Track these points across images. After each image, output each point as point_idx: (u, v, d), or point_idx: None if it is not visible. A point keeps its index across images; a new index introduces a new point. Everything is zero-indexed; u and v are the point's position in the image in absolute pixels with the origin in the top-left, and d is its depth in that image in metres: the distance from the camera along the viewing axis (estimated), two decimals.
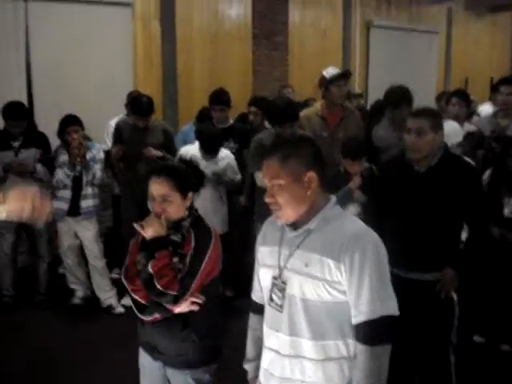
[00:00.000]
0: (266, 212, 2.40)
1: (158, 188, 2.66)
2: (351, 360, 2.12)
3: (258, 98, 6.29)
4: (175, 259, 2.63)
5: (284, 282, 2.17)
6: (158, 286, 2.56)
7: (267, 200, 2.18)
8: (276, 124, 4.54)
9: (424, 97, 6.58)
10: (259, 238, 2.40)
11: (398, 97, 4.66)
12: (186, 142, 5.60)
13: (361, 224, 2.18)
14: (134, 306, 2.72)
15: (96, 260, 5.47)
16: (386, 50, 10.07)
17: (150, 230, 2.62)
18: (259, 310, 2.38)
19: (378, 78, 9.70)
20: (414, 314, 3.27)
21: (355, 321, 2.08)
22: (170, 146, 5.54)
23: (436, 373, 3.48)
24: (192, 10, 7.82)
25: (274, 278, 2.21)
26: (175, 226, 2.68)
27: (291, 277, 2.15)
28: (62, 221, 5.39)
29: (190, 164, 2.87)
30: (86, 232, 5.42)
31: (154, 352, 2.79)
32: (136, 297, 2.69)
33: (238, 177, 5.24)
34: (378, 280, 2.06)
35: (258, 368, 2.39)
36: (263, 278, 2.30)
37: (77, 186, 5.30)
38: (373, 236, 2.14)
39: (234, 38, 8.27)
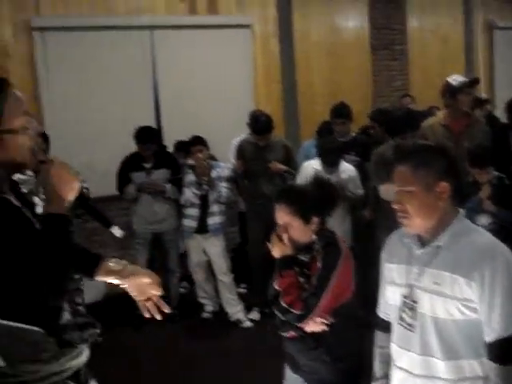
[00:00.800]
0: (391, 225, 2.37)
1: (279, 215, 2.72)
2: (487, 380, 2.04)
3: (376, 112, 6.23)
4: (302, 279, 2.67)
5: (414, 301, 2.14)
6: (283, 303, 2.61)
7: (395, 206, 2.14)
8: (396, 135, 4.49)
9: None
10: (384, 255, 2.37)
11: None
12: (307, 158, 5.63)
13: (490, 238, 2.11)
14: (277, 321, 2.77)
15: (224, 275, 5.62)
16: (511, 52, 9.62)
17: (276, 250, 2.71)
18: (386, 327, 2.35)
19: (503, 82, 9.30)
20: None
21: (487, 339, 2.02)
22: (290, 161, 5.63)
23: None
24: (309, 26, 7.88)
25: (404, 296, 2.18)
26: (305, 247, 2.72)
27: (422, 295, 2.12)
28: (190, 238, 5.61)
29: (323, 185, 2.85)
30: (214, 248, 5.58)
31: (293, 365, 2.84)
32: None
33: (360, 191, 5.20)
34: (510, 296, 1.99)
35: None
36: (391, 296, 2.27)
37: (204, 204, 5.50)
38: (503, 250, 2.06)
39: (352, 50, 8.24)
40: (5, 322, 1.81)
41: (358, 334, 2.77)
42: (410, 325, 2.16)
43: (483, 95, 7.30)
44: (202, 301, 5.83)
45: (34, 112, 6.11)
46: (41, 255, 1.74)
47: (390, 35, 8.57)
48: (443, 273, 2.06)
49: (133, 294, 2.18)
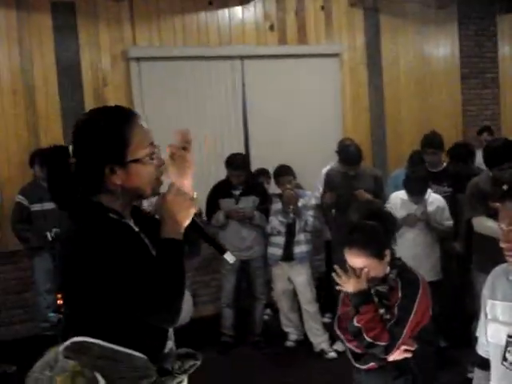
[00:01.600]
0: (485, 259, 2.32)
1: (352, 260, 2.71)
2: None
3: (455, 147, 6.05)
4: (382, 311, 2.66)
5: None
6: (368, 339, 2.60)
7: (503, 246, 2.09)
8: (493, 166, 4.37)
9: None
10: (487, 291, 2.30)
11: None
12: (397, 187, 5.56)
13: None
14: (349, 354, 2.77)
15: (309, 304, 5.59)
16: None
17: (350, 286, 2.68)
18: (486, 365, 2.28)
19: None
20: None
21: None
22: (379, 191, 5.57)
23: None
24: (398, 54, 7.83)
25: (509, 336, 2.11)
26: (382, 279, 2.72)
27: None
28: (276, 265, 5.63)
29: (382, 215, 2.87)
30: (299, 277, 5.57)
31: None
32: (350, 346, 2.74)
33: (449, 222, 5.07)
34: None
35: None
36: (494, 335, 2.21)
37: (290, 232, 5.50)
38: None
39: (441, 79, 8.12)
40: (110, 345, 1.86)
41: (434, 358, 2.75)
42: None
43: None
44: (287, 329, 5.80)
45: None
46: (155, 279, 1.78)
47: (480, 63, 8.41)
48: None
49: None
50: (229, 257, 2.01)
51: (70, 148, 1.91)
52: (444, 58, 8.23)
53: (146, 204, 2.09)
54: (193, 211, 1.93)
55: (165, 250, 1.86)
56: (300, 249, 5.51)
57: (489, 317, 2.26)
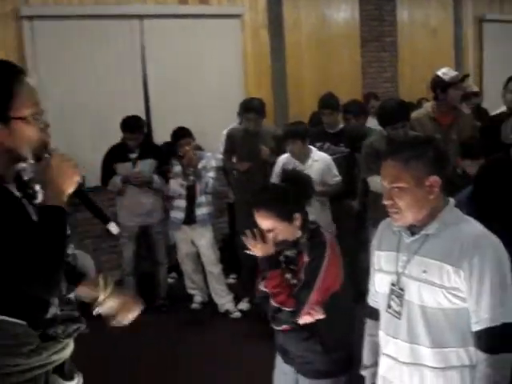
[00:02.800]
0: (380, 217, 2.37)
1: (260, 221, 2.68)
2: (474, 369, 2.05)
3: (351, 104, 6.14)
4: (288, 275, 2.67)
5: (402, 289, 2.15)
6: (275, 304, 2.62)
7: (386, 203, 2.14)
8: (387, 125, 4.49)
9: None
10: (374, 242, 2.38)
11: None
12: None
13: (480, 228, 2.12)
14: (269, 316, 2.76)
15: (212, 266, 5.62)
16: (500, 44, 9.63)
17: (258, 250, 2.68)
18: (375, 314, 2.36)
19: (493, 74, 9.30)
20: None
21: (475, 328, 2.03)
22: (280, 151, 5.60)
23: None
24: (299, 17, 7.85)
25: (392, 284, 2.19)
26: (293, 243, 2.70)
27: (409, 283, 2.12)
28: (178, 229, 5.59)
29: (296, 178, 2.82)
30: (202, 239, 5.57)
31: (285, 356, 2.84)
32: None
33: (337, 179, 5.10)
34: (499, 285, 1.99)
35: (375, 374, 2.38)
36: (380, 284, 2.28)
37: (191, 195, 5.47)
38: (493, 240, 2.07)
39: (342, 42, 8.23)
40: None
41: (348, 323, 2.77)
42: (397, 312, 2.17)
43: (474, 88, 7.31)
44: (191, 292, 5.82)
45: None
46: (34, 247, 1.72)
47: (379, 27, 8.56)
48: (431, 261, 2.07)
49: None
50: (113, 228, 2.01)
51: None
52: (344, 22, 8.33)
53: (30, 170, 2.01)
54: (77, 179, 1.91)
55: (46, 218, 1.81)
56: (201, 211, 5.48)
57: (376, 267, 2.33)
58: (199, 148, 5.79)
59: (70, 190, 1.90)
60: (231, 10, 7.30)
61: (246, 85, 7.39)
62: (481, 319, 2.01)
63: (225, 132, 6.10)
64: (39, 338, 1.89)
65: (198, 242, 5.59)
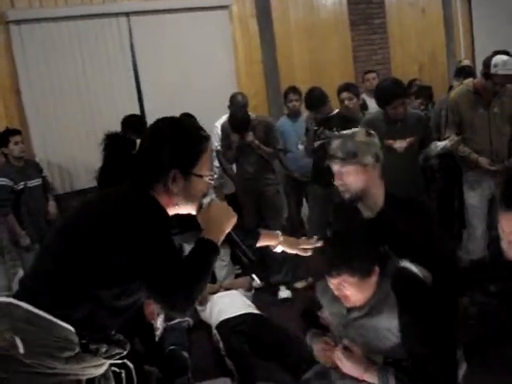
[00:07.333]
0: None
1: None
2: None
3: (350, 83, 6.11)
4: None
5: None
6: None
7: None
8: (386, 105, 4.50)
9: None
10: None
11: None
12: (281, 134, 5.88)
13: None
14: None
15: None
16: (490, 19, 9.60)
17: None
18: None
19: (484, 48, 9.28)
20: None
21: None
22: (271, 138, 5.62)
23: None
24: (287, 5, 7.84)
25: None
26: None
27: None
28: None
29: None
30: None
31: None
32: None
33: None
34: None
35: None
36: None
37: None
38: None
39: (331, 27, 8.20)
40: (35, 310, 1.84)
41: None
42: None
43: (467, 62, 7.34)
44: None
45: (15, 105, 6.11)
46: (190, 265, 1.91)
47: (367, 9, 8.52)
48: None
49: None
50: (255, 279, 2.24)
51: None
52: (332, 6, 8.30)
53: None
54: (234, 221, 2.09)
55: (203, 247, 1.97)
56: None
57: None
58: None
59: (227, 230, 2.08)
60: (218, 1, 7.24)
61: (237, 75, 7.38)
62: None
63: (217, 124, 6.11)
64: (80, 348, 1.90)
65: None
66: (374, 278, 2.33)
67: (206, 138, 2.12)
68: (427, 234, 2.60)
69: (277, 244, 2.62)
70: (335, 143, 2.69)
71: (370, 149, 2.67)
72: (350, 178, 2.65)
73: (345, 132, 2.80)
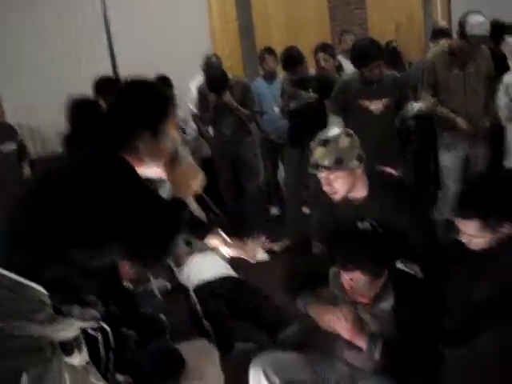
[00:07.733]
0: None
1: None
2: None
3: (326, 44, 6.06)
4: None
5: None
6: None
7: None
8: (362, 66, 4.46)
9: None
10: None
11: None
12: (258, 95, 5.83)
13: None
14: None
15: None
16: None
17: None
18: None
19: (460, 8, 9.24)
20: None
21: None
22: (247, 100, 5.59)
23: None
24: None
25: None
26: None
27: None
28: None
29: None
30: None
31: None
32: None
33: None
34: None
35: None
36: None
37: None
38: None
39: None
40: (11, 275, 1.82)
41: None
42: None
43: (443, 23, 7.31)
44: None
45: None
46: (158, 219, 1.96)
47: None
48: None
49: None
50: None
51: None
52: None
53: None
54: (202, 181, 2.19)
55: (172, 204, 2.07)
56: None
57: None
58: None
59: (195, 188, 2.19)
60: None
61: (211, 33, 7.29)
62: None
63: (192, 86, 6.04)
64: (52, 310, 1.88)
65: None
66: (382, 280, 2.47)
67: (171, 98, 2.20)
68: (412, 223, 2.65)
69: (223, 246, 2.75)
70: (318, 151, 2.66)
71: (354, 152, 2.68)
72: (338, 182, 2.68)
73: (325, 137, 2.73)
